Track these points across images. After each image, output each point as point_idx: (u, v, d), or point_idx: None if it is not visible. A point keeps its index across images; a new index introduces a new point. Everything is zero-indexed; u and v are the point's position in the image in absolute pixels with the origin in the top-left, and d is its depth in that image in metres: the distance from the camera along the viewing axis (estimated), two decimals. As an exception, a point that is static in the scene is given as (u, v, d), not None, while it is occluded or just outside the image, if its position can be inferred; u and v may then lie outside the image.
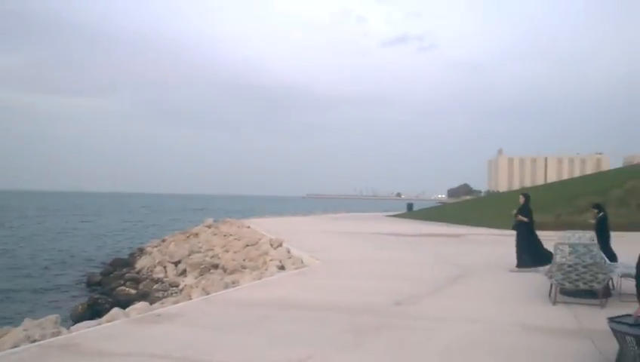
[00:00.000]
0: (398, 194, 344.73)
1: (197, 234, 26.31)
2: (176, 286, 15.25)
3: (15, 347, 6.29)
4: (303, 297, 8.89)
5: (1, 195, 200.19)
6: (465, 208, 54.04)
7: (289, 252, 15.69)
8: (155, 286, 15.86)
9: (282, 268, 13.50)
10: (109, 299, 14.84)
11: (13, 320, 7.98)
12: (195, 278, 15.05)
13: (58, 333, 6.70)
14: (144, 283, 16.66)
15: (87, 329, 6.87)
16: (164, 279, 16.68)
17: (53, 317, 7.25)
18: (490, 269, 12.31)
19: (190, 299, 9.94)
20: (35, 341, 6.45)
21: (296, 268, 13.03)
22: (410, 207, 57.45)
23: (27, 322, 7.09)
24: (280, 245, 17.16)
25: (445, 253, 16.03)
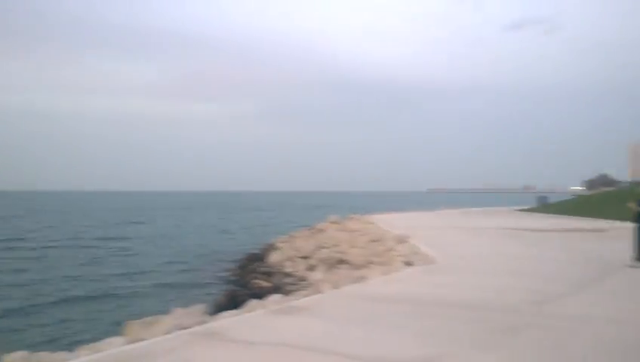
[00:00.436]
0: (527, 187, 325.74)
1: (323, 231, 26.94)
2: (306, 280, 15.74)
3: (167, 333, 6.90)
4: (433, 293, 8.75)
5: (164, 197, 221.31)
6: (605, 200, 49.65)
7: (415, 247, 15.52)
8: (286, 280, 16.51)
9: (409, 263, 13.37)
10: (246, 291, 15.73)
11: (164, 309, 8.78)
12: (324, 273, 15.42)
13: (204, 322, 7.24)
14: (276, 276, 17.42)
15: (229, 319, 7.36)
16: (294, 273, 17.29)
17: (199, 306, 7.85)
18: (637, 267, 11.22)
19: (321, 292, 10.21)
20: (184, 328, 7.02)
21: (423, 264, 12.85)
22: (542, 199, 53.97)
23: (177, 310, 7.74)
24: (405, 241, 17.04)
25: (585, 249, 14.88)
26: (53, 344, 9.33)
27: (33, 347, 7.33)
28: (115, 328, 8.76)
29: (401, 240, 17.29)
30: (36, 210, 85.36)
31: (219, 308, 13.42)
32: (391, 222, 25.90)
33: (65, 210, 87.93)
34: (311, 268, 17.26)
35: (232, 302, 14.02)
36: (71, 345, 7.45)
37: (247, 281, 18.03)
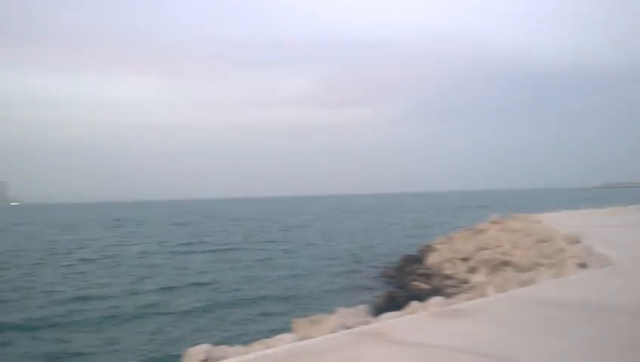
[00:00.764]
0: None
1: (483, 231, 25.82)
2: (467, 282, 15.21)
3: (333, 332, 7.11)
4: (612, 299, 7.88)
5: (318, 201, 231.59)
6: None
7: (589, 248, 14.14)
8: (445, 282, 16.13)
9: (583, 266, 12.22)
10: (404, 293, 15.68)
11: (328, 309, 9.13)
12: (486, 275, 14.77)
13: (368, 322, 7.34)
14: (435, 278, 17.10)
15: (392, 320, 7.37)
16: (454, 275, 16.83)
17: (362, 306, 7.99)
18: None
19: (485, 296, 9.77)
20: (349, 328, 7.18)
21: (600, 267, 11.65)
22: None
23: (341, 310, 7.96)
24: (577, 241, 15.61)
25: None
26: (230, 339, 10.16)
27: (214, 341, 8.03)
28: (284, 326, 9.27)
29: (573, 240, 15.87)
30: (210, 216, 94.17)
31: (379, 309, 13.54)
32: (559, 221, 23.93)
33: (233, 216, 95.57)
34: (472, 270, 16.65)
35: (392, 304, 14.04)
36: (246, 340, 8.02)
37: (406, 283, 17.96)
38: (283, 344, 6.78)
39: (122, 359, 10.82)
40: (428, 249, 26.11)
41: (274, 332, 8.23)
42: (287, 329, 8.15)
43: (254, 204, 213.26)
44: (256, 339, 7.54)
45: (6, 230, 65.87)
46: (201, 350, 6.92)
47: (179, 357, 7.10)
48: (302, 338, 6.82)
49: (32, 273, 25.66)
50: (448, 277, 16.93)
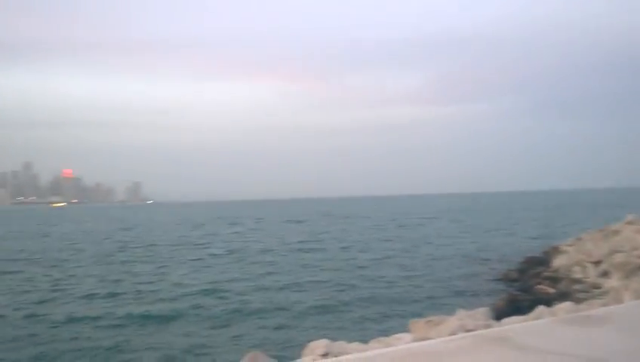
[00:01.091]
0: None
1: (617, 232, 23.75)
2: (599, 287, 14.12)
3: (452, 334, 6.97)
4: None
5: (438, 199, 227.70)
6: None
7: None
8: (574, 287, 15.09)
9: None
10: (527, 296, 14.91)
11: (446, 309, 8.95)
12: (621, 280, 13.60)
13: (489, 326, 7.11)
14: (563, 282, 16.06)
15: (516, 325, 7.06)
16: (584, 279, 15.69)
17: (483, 309, 7.75)
18: None
19: (620, 302, 9.02)
20: (469, 330, 7.01)
21: None
22: None
23: (461, 312, 7.79)
24: None
25: None
26: (347, 336, 10.31)
27: (332, 337, 8.20)
28: (401, 325, 9.23)
29: None
30: (325, 215, 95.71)
31: (500, 312, 13.00)
32: None
33: (347, 214, 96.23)
34: (604, 274, 15.42)
35: (514, 307, 13.43)
36: (364, 338, 8.12)
37: (530, 286, 17.06)
38: (401, 343, 6.79)
39: (244, 353, 11.36)
40: (554, 251, 24.53)
41: (391, 331, 8.26)
42: (404, 329, 8.13)
43: (368, 202, 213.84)
44: (374, 337, 7.62)
45: (148, 226, 72.09)
46: (320, 345, 7.13)
47: (299, 350, 7.36)
48: (420, 339, 6.77)
49: (166, 265, 27.90)
50: (577, 281, 15.79)
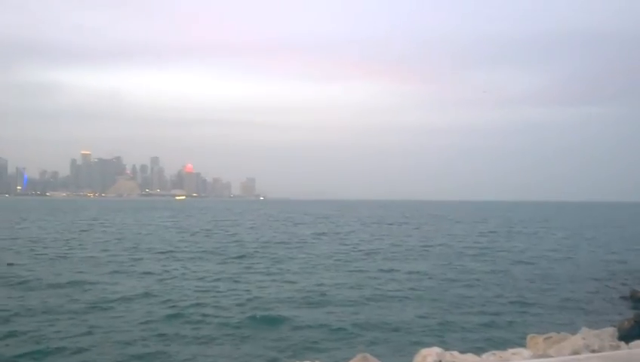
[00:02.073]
0: None
1: None
2: None
3: (575, 354, 6.60)
4: None
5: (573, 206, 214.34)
6: None
7: None
8: None
9: None
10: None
11: (568, 327, 8.43)
12: None
13: (617, 347, 6.64)
14: None
15: (648, 349, 6.53)
16: None
17: (610, 329, 7.24)
18: None
19: None
20: (594, 351, 6.59)
21: None
22: None
23: (585, 331, 7.33)
24: None
25: None
26: (461, 343, 10.06)
27: (445, 343, 8.10)
28: (517, 337, 8.89)
29: None
30: (436, 217, 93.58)
31: (624, 332, 12.02)
32: None
33: (464, 218, 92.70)
34: None
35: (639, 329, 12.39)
36: (479, 347, 7.94)
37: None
38: (518, 359, 6.55)
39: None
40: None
41: (507, 343, 7.99)
42: (521, 343, 7.83)
43: (469, 206, 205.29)
44: (483, 348, 7.41)
45: (259, 221, 75.10)
46: (432, 352, 7.07)
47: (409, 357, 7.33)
48: (539, 356, 6.50)
49: (282, 261, 28.84)
50: None
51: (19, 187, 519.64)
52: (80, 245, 36.29)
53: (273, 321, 14.82)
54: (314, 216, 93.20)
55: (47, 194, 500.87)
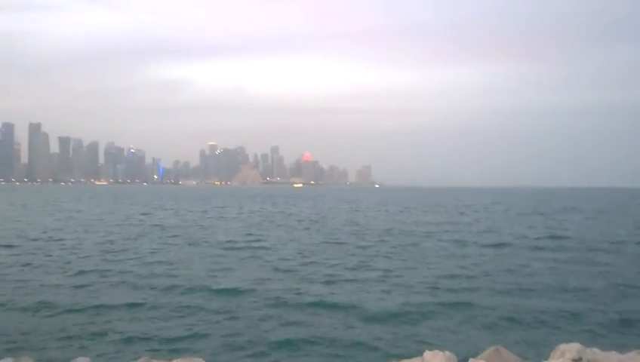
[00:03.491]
0: None
1: None
2: None
3: None
4: None
5: None
6: None
7: None
8: None
9: None
10: None
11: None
12: None
13: None
14: None
15: None
16: None
17: None
18: None
19: None
20: None
21: None
22: None
23: None
24: None
25: None
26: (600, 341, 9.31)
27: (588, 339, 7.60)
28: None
29: None
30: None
31: None
32: None
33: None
34: None
35: None
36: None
37: None
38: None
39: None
40: None
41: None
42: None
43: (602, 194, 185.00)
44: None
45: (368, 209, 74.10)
46: (572, 348, 6.79)
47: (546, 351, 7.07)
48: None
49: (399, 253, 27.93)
50: None
51: (155, 176, 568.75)
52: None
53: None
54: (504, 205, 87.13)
55: (180, 182, 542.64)
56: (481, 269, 20.48)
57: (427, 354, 6.98)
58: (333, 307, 14.20)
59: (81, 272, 18.82)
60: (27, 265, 20.37)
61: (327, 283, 17.56)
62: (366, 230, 37.77)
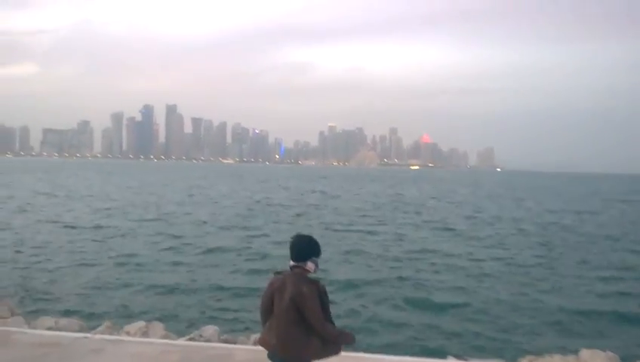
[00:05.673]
0: None
1: None
2: None
3: None
4: None
5: None
6: None
7: None
8: None
9: None
10: None
11: None
12: None
13: None
14: None
15: None
16: None
17: None
18: None
19: None
20: None
21: None
22: None
23: None
24: None
25: None
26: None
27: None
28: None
29: None
30: None
31: None
32: None
33: None
34: None
35: None
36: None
37: None
38: None
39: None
40: None
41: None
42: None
43: None
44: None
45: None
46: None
47: None
48: None
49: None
50: None
51: (277, 156, 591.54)
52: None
53: None
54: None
55: (299, 162, 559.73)
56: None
57: (584, 352, 7.12)
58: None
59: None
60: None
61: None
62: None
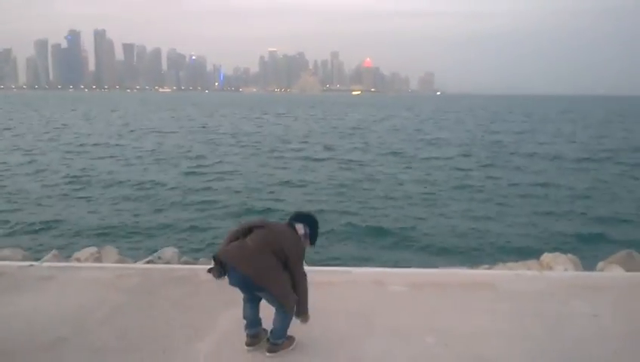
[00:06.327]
0: None
1: None
2: None
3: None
4: None
5: None
6: None
7: None
8: None
9: None
10: None
11: None
12: None
13: None
14: None
15: None
16: None
17: None
18: None
19: None
20: None
21: None
22: None
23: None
24: None
25: None
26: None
27: None
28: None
29: None
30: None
31: None
32: None
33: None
34: None
35: None
36: None
37: None
38: None
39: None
40: None
41: None
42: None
43: None
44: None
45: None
46: None
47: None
48: None
49: None
50: None
51: (216, 83, 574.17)
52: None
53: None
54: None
55: (240, 89, 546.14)
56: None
57: (546, 255, 7.13)
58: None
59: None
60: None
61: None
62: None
